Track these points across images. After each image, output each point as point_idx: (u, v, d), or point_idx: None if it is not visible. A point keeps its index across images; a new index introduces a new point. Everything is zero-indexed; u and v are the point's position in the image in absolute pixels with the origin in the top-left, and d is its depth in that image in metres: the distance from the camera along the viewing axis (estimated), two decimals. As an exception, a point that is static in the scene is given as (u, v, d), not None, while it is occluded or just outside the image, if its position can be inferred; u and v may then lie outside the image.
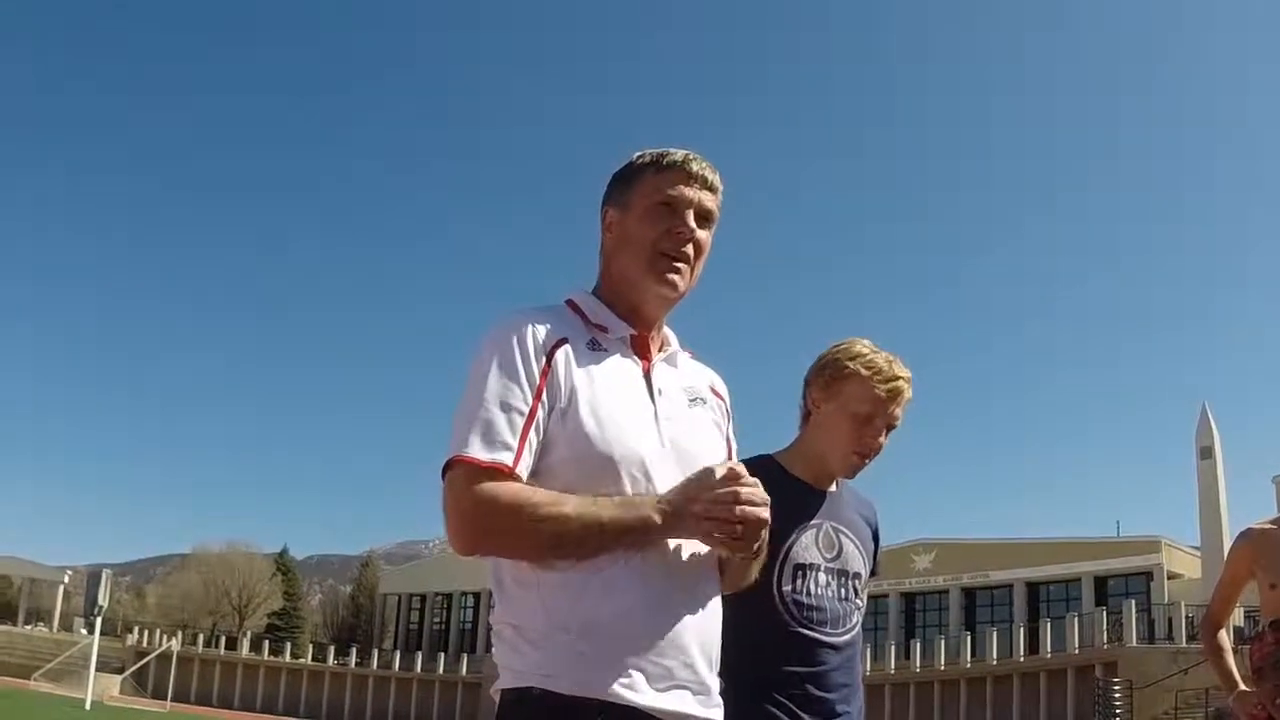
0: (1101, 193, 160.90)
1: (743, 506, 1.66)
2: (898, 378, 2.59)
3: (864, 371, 2.58)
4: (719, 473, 1.68)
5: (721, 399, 1.97)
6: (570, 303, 1.88)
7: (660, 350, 1.88)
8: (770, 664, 2.49)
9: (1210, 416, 40.19)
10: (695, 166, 1.85)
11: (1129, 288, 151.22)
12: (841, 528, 2.64)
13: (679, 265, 1.83)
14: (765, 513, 1.68)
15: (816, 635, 2.54)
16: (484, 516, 1.65)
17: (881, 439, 2.61)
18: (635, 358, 1.84)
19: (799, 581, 2.54)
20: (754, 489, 1.68)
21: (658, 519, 1.66)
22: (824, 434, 2.63)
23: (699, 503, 1.66)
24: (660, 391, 1.82)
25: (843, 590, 2.61)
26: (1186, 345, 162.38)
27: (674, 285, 1.83)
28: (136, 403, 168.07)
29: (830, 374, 2.62)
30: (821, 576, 2.58)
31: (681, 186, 1.84)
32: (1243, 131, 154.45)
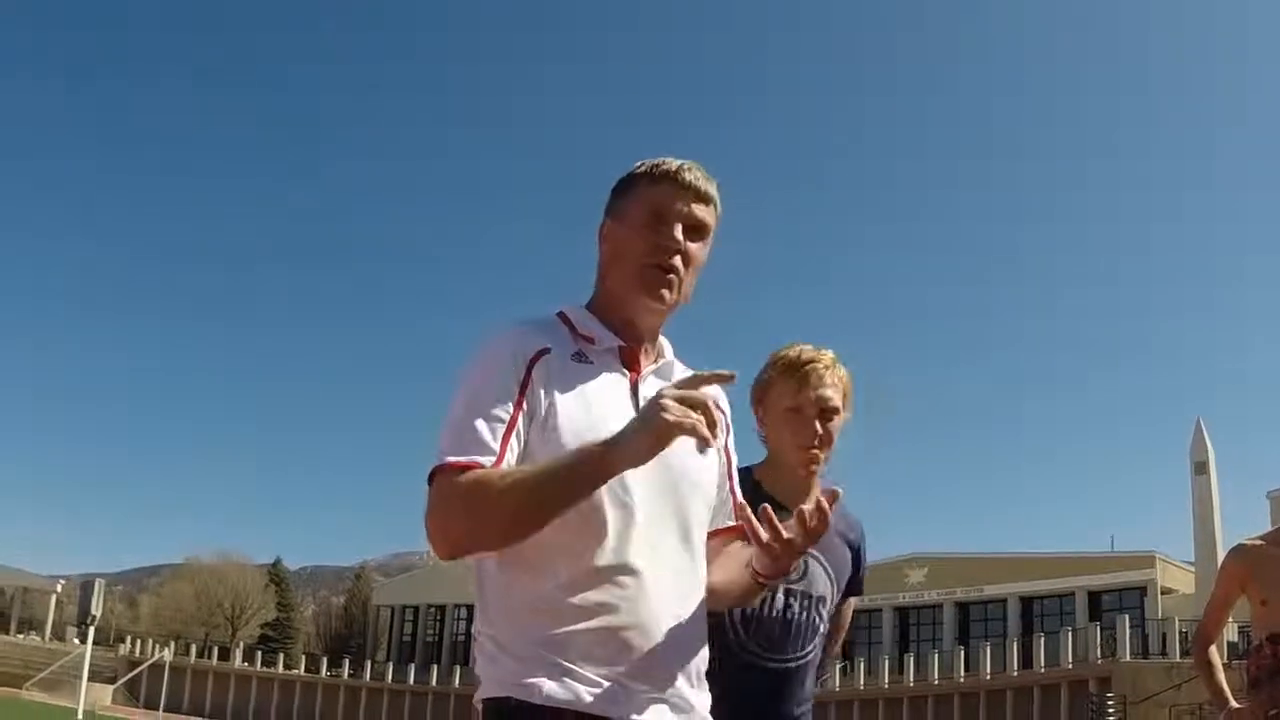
0: (1092, 202, 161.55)
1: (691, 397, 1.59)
2: (808, 361, 2.64)
3: (777, 370, 2.68)
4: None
5: (722, 411, 1.90)
6: (561, 315, 1.86)
7: (653, 362, 1.86)
8: (713, 684, 2.51)
9: (1205, 432, 40.19)
10: (688, 177, 1.81)
11: (1124, 300, 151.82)
12: (811, 549, 2.66)
13: (668, 278, 1.79)
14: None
15: (757, 657, 2.55)
16: (454, 501, 1.64)
17: (821, 426, 2.62)
18: (623, 369, 1.82)
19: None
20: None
21: (613, 438, 1.60)
22: (774, 444, 2.69)
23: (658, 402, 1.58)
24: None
25: (803, 614, 2.61)
26: (1181, 360, 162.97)
27: (661, 298, 1.80)
28: (130, 412, 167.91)
29: (758, 387, 2.71)
30: (779, 598, 2.58)
31: (673, 197, 1.80)
32: (1241, 131, 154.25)
